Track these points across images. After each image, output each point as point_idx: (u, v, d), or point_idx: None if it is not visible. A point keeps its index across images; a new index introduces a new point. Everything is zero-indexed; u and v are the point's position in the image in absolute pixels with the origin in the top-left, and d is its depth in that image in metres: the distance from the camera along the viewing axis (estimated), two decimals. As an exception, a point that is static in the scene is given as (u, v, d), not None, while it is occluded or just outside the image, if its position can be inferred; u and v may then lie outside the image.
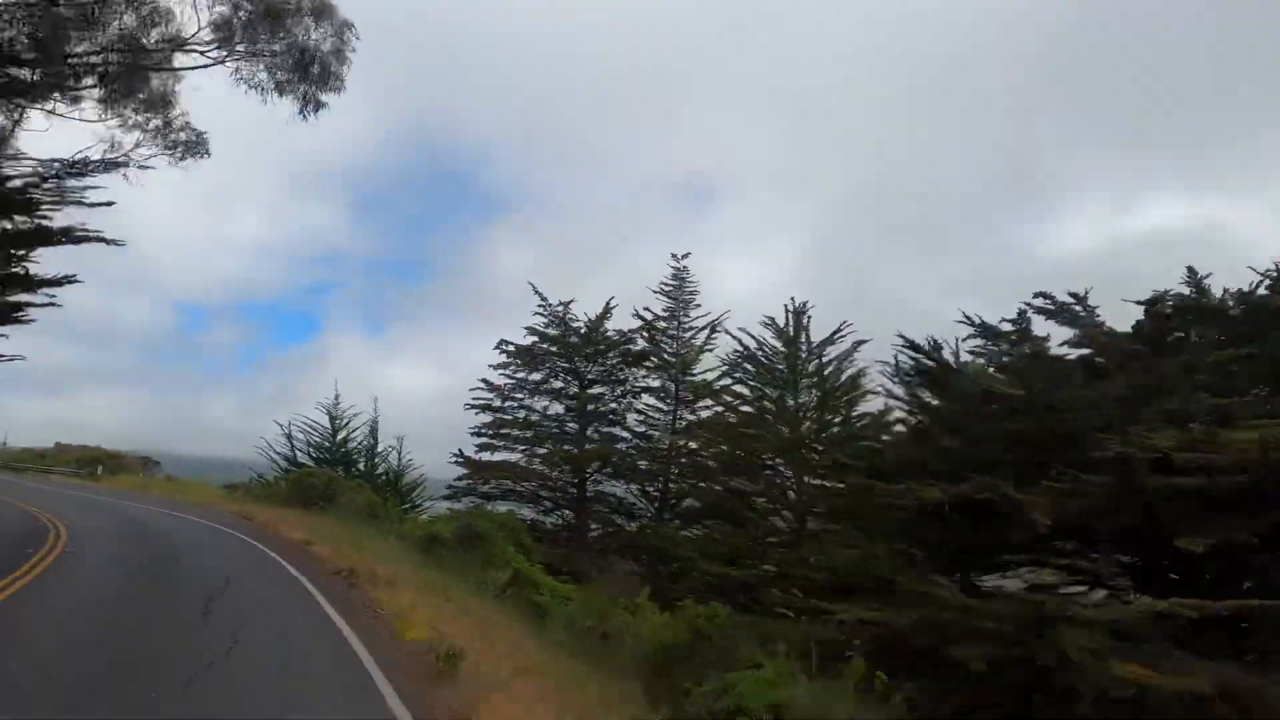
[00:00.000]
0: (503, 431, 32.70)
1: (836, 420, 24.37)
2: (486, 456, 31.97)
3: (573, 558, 25.26)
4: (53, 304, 16.49)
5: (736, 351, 27.22)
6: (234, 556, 13.52)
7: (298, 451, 28.97)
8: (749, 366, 27.05)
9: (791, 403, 25.59)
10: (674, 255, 33.35)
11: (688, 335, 33.06)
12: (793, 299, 26.02)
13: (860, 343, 24.23)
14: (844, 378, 25.00)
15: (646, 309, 32.80)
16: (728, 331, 27.13)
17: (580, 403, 31.38)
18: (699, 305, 33.11)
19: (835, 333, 25.06)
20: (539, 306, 31.31)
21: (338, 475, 24.94)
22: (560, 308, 31.02)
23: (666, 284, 33.22)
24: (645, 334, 31.77)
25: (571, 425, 32.94)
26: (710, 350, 32.46)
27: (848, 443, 23.55)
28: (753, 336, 27.00)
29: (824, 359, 24.89)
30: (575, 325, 30.99)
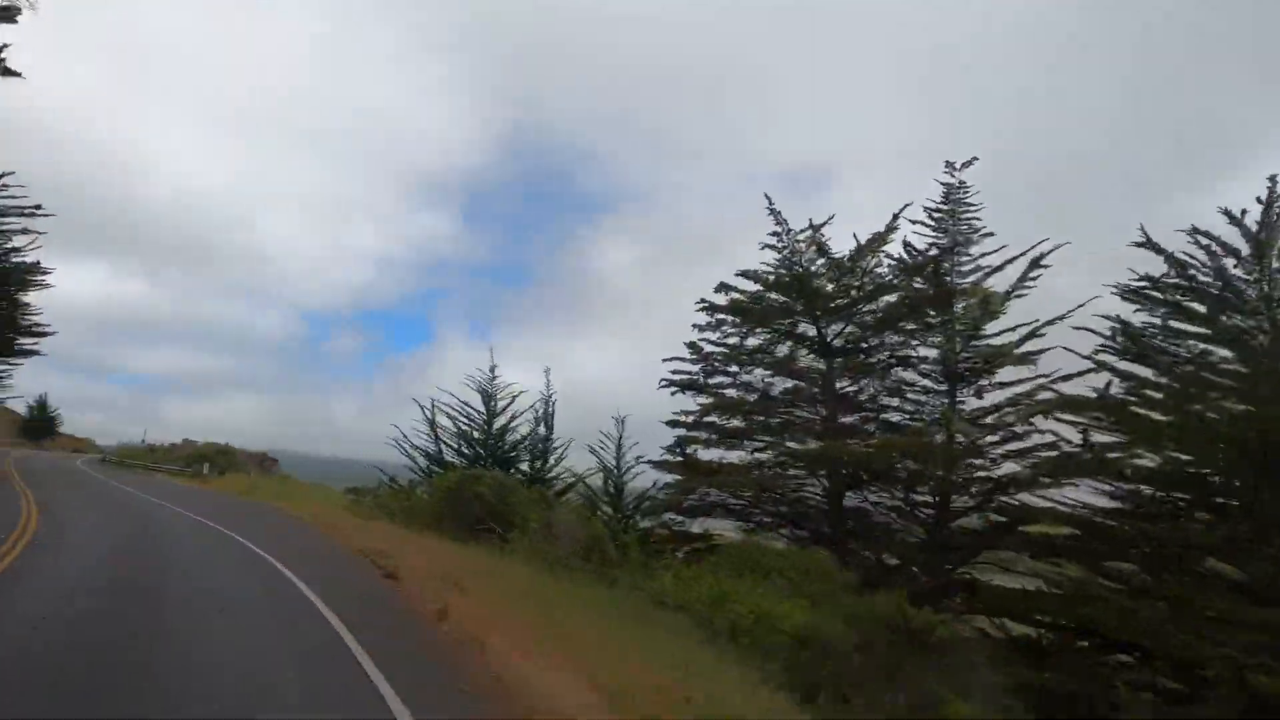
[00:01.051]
0: (706, 420, 22.82)
1: None
2: (680, 454, 22.14)
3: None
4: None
5: (1146, 281, 16.02)
6: None
7: (444, 444, 19.82)
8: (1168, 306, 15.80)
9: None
10: (949, 165, 22.52)
11: (969, 278, 22.27)
12: (1274, 178, 14.63)
13: None
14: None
15: (908, 246, 22.19)
16: (1162, 245, 15.82)
17: (841, 370, 21.06)
18: (990, 234, 22.22)
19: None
20: (773, 234, 21.09)
21: (509, 480, 15.55)
22: (809, 233, 20.60)
23: (934, 209, 22.47)
24: (927, 272, 21.09)
25: (803, 413, 22.64)
26: (1021, 296, 21.53)
27: None
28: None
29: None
30: (836, 256, 20.56)
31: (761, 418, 22.40)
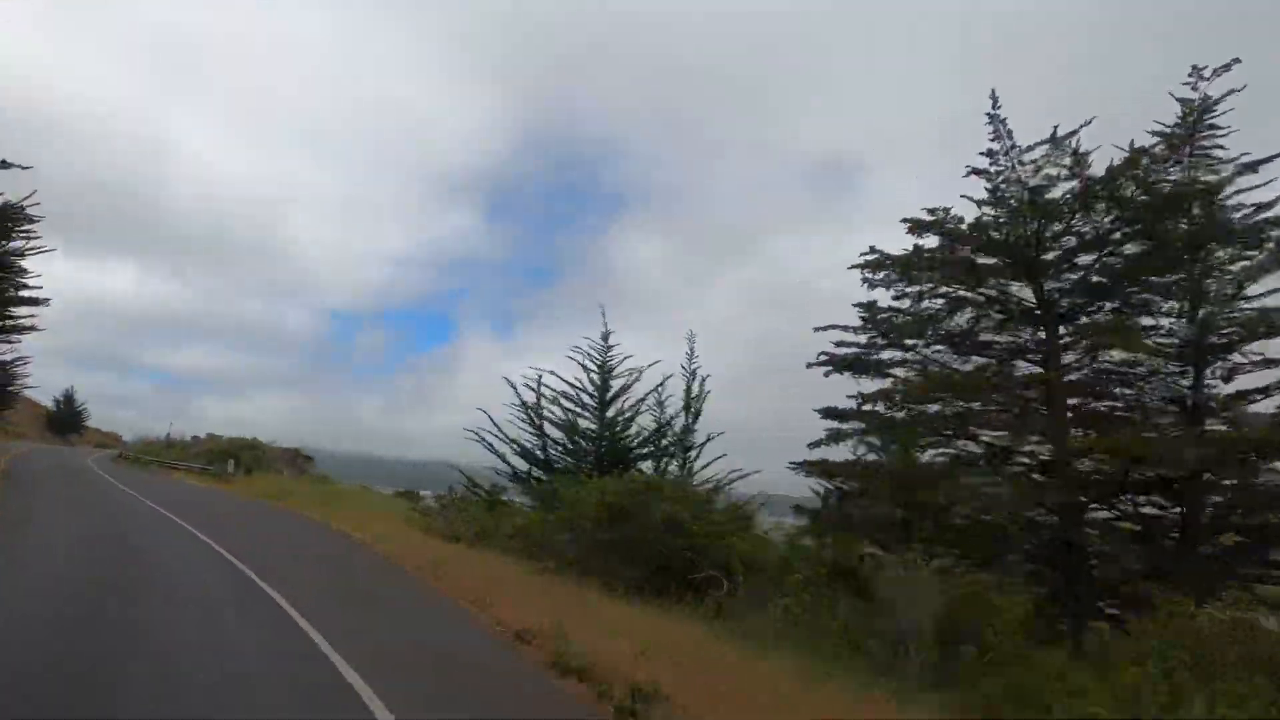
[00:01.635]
0: (866, 408, 17.16)
1: None
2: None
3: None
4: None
5: None
6: None
7: (550, 440, 14.14)
8: None
9: None
10: (1195, 70, 16.43)
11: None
12: None
13: None
14: None
15: (1142, 181, 16.20)
16: None
17: (1076, 343, 15.21)
18: (1267, 159, 16.18)
19: None
20: (985, 154, 15.28)
21: (692, 491, 9.95)
22: (1047, 147, 14.68)
23: (1168, 127, 16.42)
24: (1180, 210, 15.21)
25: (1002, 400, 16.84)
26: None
27: None
28: None
29: None
30: (1095, 177, 14.61)
31: (939, 405, 16.77)
